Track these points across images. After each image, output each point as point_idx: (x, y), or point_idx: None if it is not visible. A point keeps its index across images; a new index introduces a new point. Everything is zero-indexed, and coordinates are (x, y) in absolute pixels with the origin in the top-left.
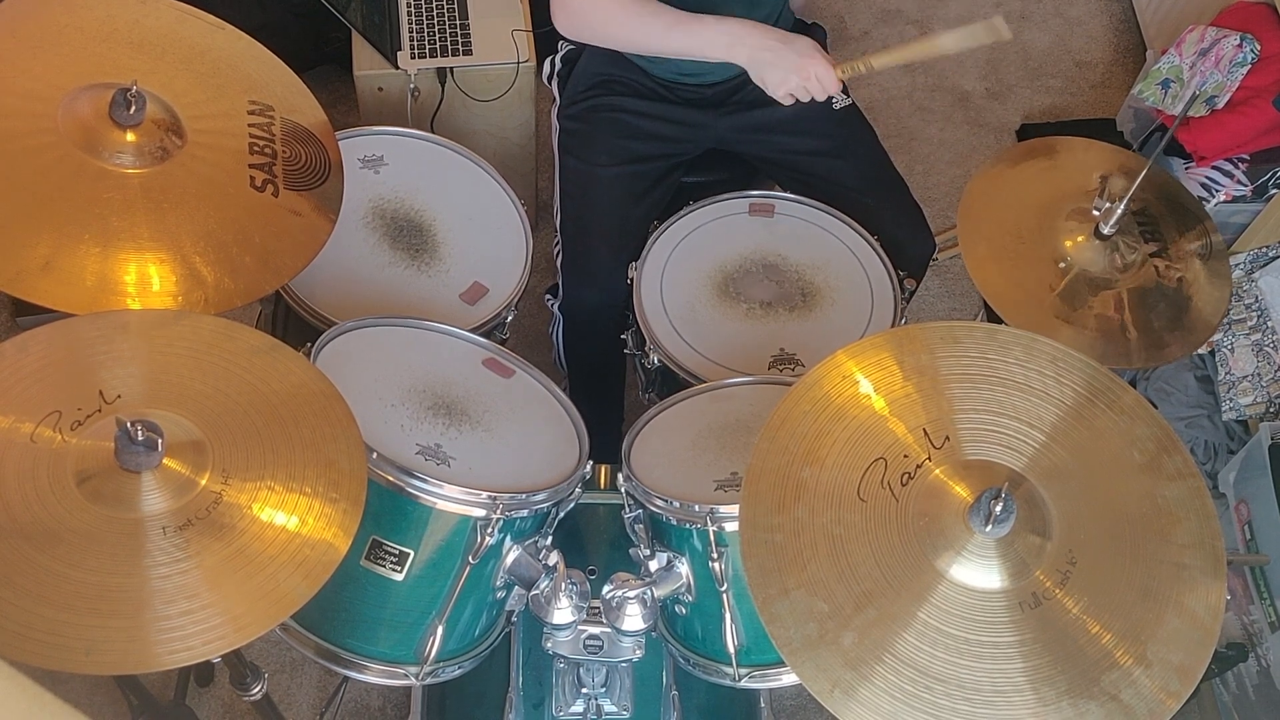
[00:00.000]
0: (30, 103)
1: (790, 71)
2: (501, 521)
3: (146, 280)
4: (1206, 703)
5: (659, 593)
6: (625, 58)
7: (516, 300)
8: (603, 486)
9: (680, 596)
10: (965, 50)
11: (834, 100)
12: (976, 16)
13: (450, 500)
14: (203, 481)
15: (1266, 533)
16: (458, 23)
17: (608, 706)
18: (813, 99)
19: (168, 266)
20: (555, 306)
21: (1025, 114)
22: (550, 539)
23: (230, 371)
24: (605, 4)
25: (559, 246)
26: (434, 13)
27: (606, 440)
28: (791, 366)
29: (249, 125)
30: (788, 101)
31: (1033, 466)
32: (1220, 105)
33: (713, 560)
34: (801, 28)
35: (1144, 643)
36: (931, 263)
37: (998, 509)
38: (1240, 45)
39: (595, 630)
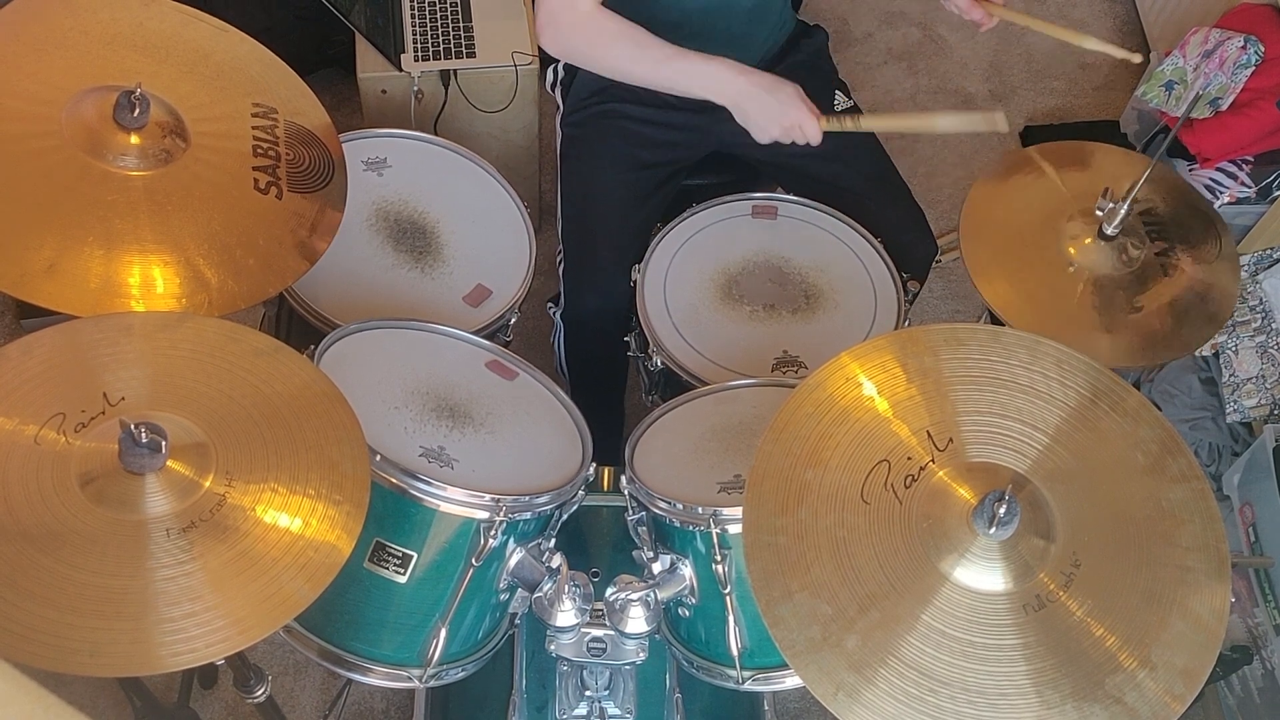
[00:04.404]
0: (34, 105)
1: (772, 122)
2: (505, 524)
3: (150, 282)
4: (1211, 706)
5: (662, 595)
6: None
7: (520, 302)
8: (605, 489)
9: (683, 599)
10: (959, 132)
11: (836, 101)
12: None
13: (453, 502)
14: (206, 484)
15: (1271, 535)
16: (461, 25)
17: (611, 709)
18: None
19: (171, 269)
20: (558, 315)
21: (1029, 116)
22: (553, 541)
23: (234, 374)
24: (596, 31)
25: (561, 255)
26: (438, 15)
27: (609, 442)
28: (794, 369)
29: (253, 128)
30: (768, 142)
31: (1036, 469)
32: (1224, 107)
33: (716, 563)
34: (803, 30)
35: (1148, 646)
36: (935, 264)
37: (1001, 511)
38: (1244, 47)
39: (598, 633)
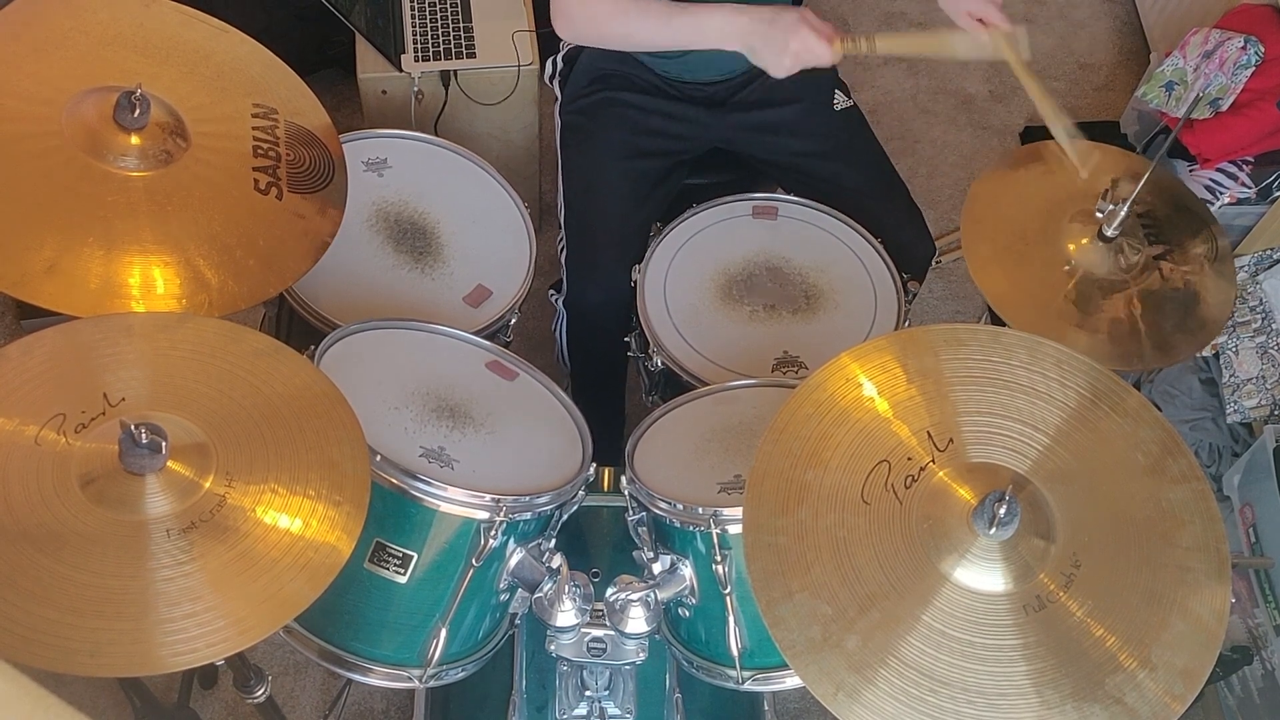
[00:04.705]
0: (35, 106)
1: (780, 52)
2: (505, 524)
3: (150, 283)
4: (1211, 706)
5: (662, 595)
6: (627, 54)
7: (520, 303)
8: (606, 489)
9: (683, 599)
10: (974, 59)
11: (835, 101)
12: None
13: (454, 503)
14: (206, 484)
15: (1271, 536)
16: (461, 25)
17: (611, 709)
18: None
19: (172, 269)
20: (560, 302)
21: (1029, 116)
22: (554, 541)
23: (234, 374)
24: (600, 7)
25: (563, 242)
26: (438, 15)
27: (609, 443)
28: (795, 369)
29: (253, 128)
30: (784, 75)
31: (1036, 469)
32: (1224, 108)
33: (716, 563)
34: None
35: (1148, 646)
36: (934, 265)
37: (1001, 512)
38: (1244, 47)
39: (598, 633)
